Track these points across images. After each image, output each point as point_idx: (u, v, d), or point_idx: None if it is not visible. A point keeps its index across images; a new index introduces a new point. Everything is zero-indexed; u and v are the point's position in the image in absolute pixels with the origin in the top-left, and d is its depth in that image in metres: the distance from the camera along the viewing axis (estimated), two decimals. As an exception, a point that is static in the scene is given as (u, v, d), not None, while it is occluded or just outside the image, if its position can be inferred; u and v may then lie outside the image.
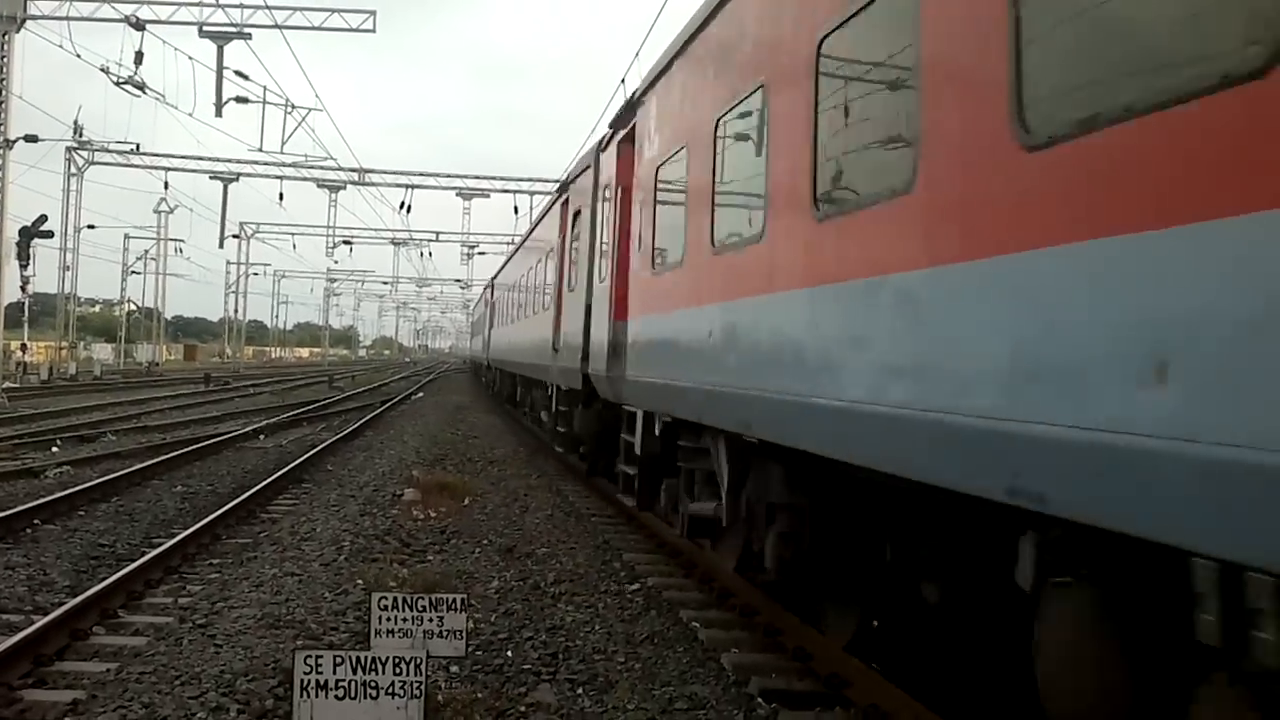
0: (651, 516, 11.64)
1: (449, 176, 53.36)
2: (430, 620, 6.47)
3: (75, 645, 7.60)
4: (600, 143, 14.25)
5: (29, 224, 40.24)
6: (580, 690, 6.88)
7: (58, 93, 59.28)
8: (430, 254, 78.34)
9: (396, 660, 5.52)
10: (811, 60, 5.94)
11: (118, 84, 30.65)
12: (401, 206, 51.29)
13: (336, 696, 5.44)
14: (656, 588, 9.83)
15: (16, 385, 38.65)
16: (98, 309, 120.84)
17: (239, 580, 9.57)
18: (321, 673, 5.46)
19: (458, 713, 6.12)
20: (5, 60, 28.90)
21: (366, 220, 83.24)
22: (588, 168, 14.81)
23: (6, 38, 28.88)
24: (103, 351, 73.98)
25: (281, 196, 52.15)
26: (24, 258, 40.33)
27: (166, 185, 55.95)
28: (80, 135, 45.50)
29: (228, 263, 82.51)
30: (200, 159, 51.24)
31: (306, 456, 18.84)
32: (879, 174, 5.22)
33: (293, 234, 74.53)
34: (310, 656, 5.51)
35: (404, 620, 6.41)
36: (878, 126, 5.34)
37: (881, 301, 5.08)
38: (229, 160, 50.77)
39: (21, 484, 15.08)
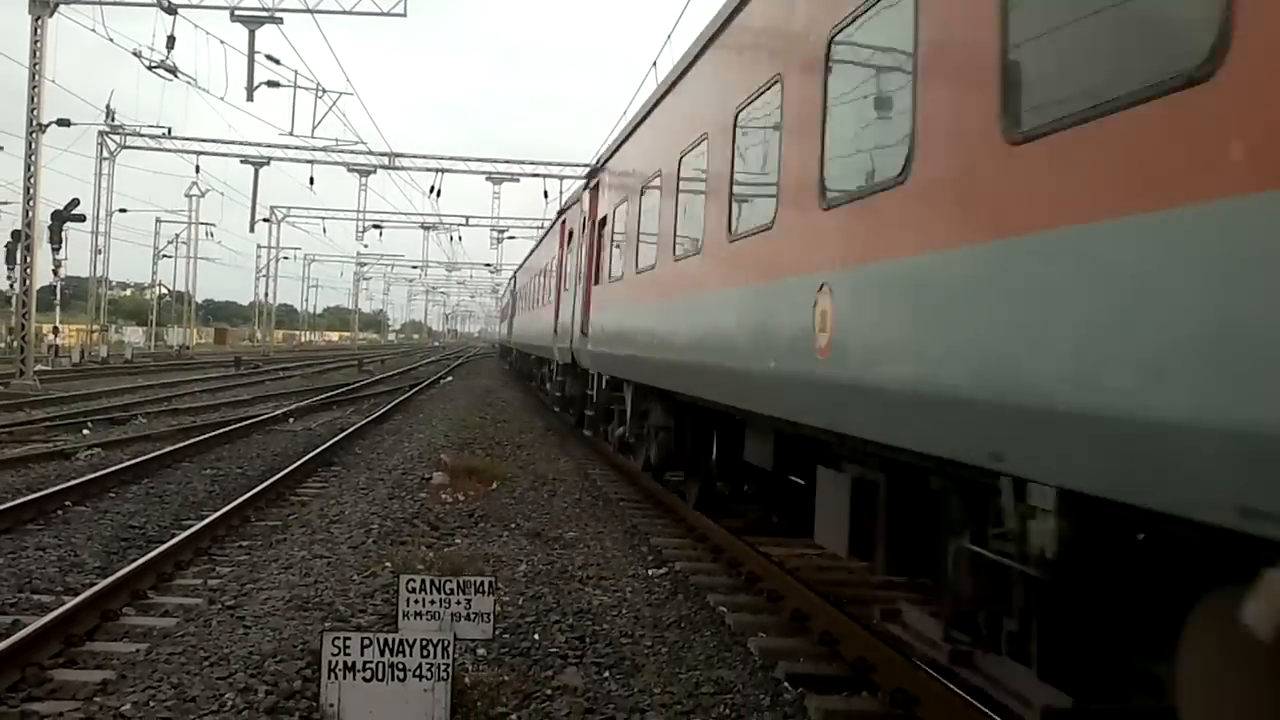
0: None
1: (479, 161, 53.38)
2: (458, 603, 6.47)
3: (105, 626, 7.64)
4: None
5: (61, 207, 40.61)
6: (607, 673, 6.86)
7: (90, 77, 59.71)
8: (460, 238, 78.52)
9: (424, 642, 5.52)
10: None
11: (150, 68, 30.77)
12: (431, 191, 51.41)
13: (364, 678, 5.46)
14: (684, 572, 9.81)
15: (48, 368, 38.97)
16: (129, 292, 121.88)
17: (268, 562, 9.61)
18: (349, 654, 5.47)
19: (484, 695, 6.10)
20: (38, 44, 29.06)
21: (396, 204, 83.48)
22: None
23: (40, 22, 29.03)
24: (134, 335, 74.62)
25: (312, 180, 52.27)
26: (56, 241, 40.70)
27: (198, 169, 56.10)
28: (112, 119, 45.73)
29: (258, 246, 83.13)
30: (231, 143, 51.37)
31: (336, 440, 18.91)
32: None
33: (323, 218, 74.67)
34: (338, 638, 5.53)
35: (432, 602, 6.41)
36: None
37: None
38: (260, 144, 50.86)
39: (53, 466, 15.21)
